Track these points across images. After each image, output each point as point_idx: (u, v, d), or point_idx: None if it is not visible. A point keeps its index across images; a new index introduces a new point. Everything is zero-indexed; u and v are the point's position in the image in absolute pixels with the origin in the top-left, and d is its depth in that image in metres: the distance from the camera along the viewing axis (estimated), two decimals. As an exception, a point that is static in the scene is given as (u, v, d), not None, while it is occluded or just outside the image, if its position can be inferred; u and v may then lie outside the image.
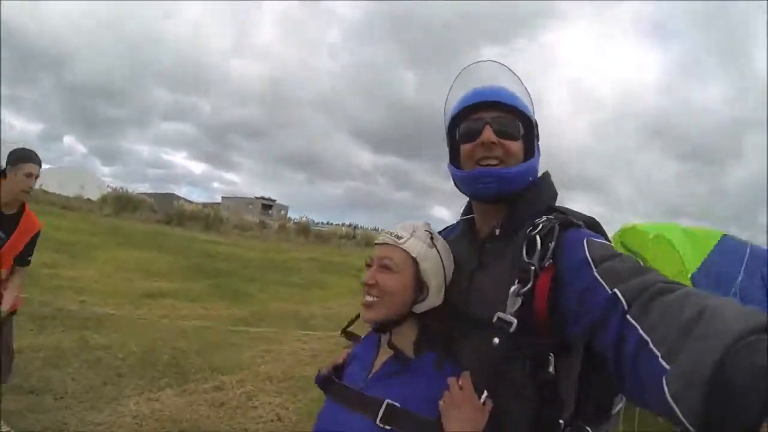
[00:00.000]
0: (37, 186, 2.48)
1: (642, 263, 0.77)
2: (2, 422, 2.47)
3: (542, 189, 0.97)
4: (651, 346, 0.57)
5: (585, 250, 0.78)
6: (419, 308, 0.94)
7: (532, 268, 0.80)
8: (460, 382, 0.83)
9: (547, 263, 0.81)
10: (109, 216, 17.29)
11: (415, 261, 0.94)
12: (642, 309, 0.62)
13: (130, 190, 21.86)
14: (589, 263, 0.75)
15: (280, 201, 56.62)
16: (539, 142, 0.99)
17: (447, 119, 1.03)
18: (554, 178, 1.01)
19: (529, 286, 0.80)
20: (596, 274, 0.73)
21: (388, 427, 0.85)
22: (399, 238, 0.95)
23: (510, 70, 1.02)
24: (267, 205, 52.84)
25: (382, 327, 0.97)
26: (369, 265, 0.97)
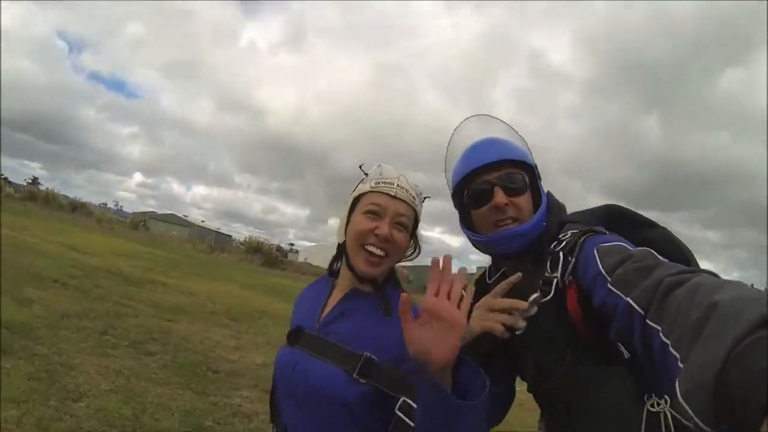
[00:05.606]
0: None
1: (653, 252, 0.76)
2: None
3: (551, 212, 0.98)
4: (671, 349, 0.57)
5: (597, 263, 0.79)
6: (403, 261, 0.92)
7: (555, 280, 0.84)
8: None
9: (568, 279, 0.84)
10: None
11: (416, 220, 0.92)
12: (658, 311, 0.63)
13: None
14: (603, 276, 0.76)
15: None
16: (541, 180, 1.00)
17: (451, 184, 1.04)
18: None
19: (549, 297, 0.84)
20: (610, 286, 0.74)
21: (363, 381, 0.79)
22: (413, 198, 0.89)
23: (499, 119, 1.05)
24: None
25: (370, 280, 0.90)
26: (374, 213, 0.86)
